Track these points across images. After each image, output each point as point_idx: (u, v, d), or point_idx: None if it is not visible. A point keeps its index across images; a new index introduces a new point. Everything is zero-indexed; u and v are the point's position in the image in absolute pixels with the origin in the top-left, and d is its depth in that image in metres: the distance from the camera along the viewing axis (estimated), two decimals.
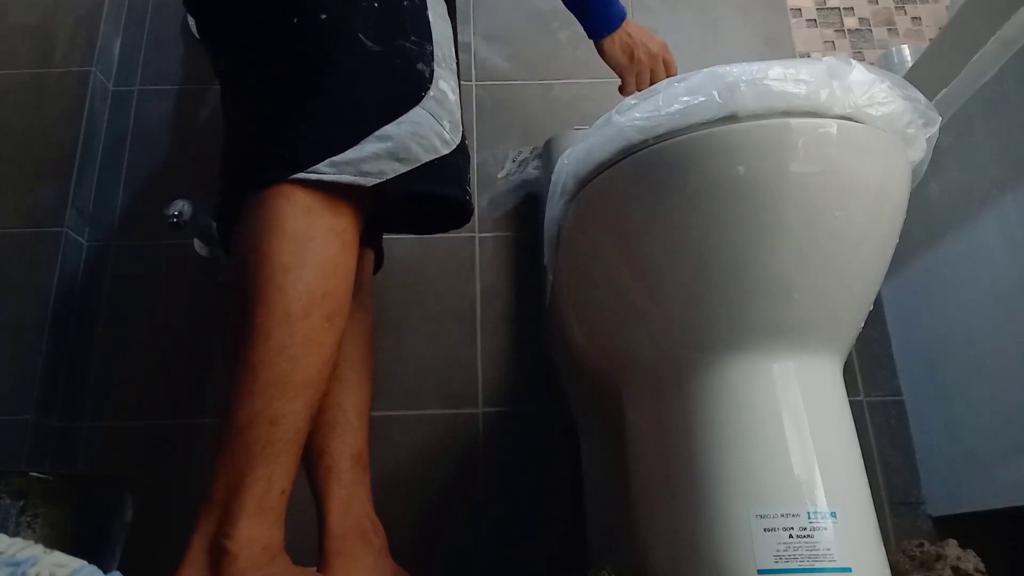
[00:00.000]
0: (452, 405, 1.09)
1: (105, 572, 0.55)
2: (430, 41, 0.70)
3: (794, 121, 0.63)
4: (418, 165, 0.65)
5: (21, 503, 0.76)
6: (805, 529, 0.59)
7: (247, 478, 0.57)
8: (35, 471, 0.79)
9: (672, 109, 0.65)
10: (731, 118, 0.63)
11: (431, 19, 0.72)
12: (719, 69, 0.65)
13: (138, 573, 0.72)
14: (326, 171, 0.61)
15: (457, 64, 0.76)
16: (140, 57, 1.29)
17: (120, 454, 1.05)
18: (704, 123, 0.64)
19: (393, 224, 0.78)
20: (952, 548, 0.82)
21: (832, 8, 1.39)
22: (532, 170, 1.20)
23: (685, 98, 0.65)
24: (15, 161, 1.14)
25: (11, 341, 1.04)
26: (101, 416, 1.07)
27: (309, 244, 0.61)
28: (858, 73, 0.65)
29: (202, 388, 1.09)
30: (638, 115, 0.67)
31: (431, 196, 0.69)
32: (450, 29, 0.76)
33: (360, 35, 0.65)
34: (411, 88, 0.66)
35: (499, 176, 1.19)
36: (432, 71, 0.69)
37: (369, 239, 0.92)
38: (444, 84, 0.69)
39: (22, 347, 1.04)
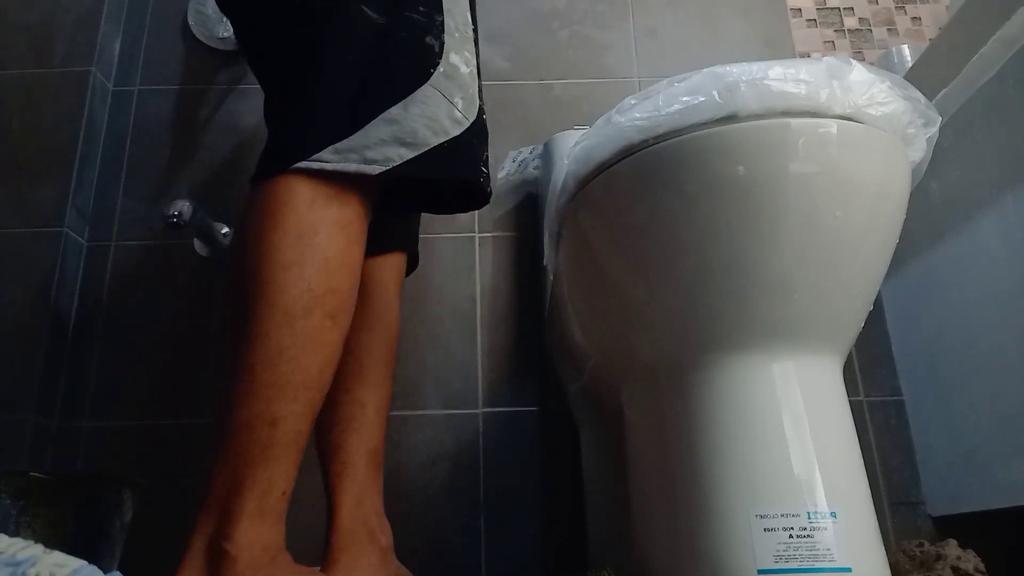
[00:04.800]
0: (452, 405, 1.09)
1: (105, 572, 0.55)
2: (440, 10, 0.65)
3: (794, 121, 0.63)
4: (427, 149, 0.60)
5: (21, 503, 0.76)
6: (805, 529, 0.59)
7: (247, 480, 0.56)
8: (35, 471, 0.79)
9: (672, 109, 0.65)
10: (731, 118, 0.63)
11: None
12: (719, 69, 0.65)
13: (138, 573, 0.72)
14: (329, 159, 0.57)
15: (475, 31, 0.71)
16: (140, 57, 1.29)
17: (120, 454, 1.05)
18: (704, 123, 0.64)
19: (406, 204, 0.73)
20: (952, 548, 0.82)
21: (832, 8, 1.39)
22: (532, 170, 1.20)
23: (685, 98, 0.65)
24: (15, 161, 1.14)
25: (11, 341, 1.04)
26: (101, 416, 1.07)
27: (312, 239, 0.57)
28: (858, 73, 0.65)
29: (202, 388, 1.09)
30: (638, 115, 0.67)
31: (442, 181, 0.65)
32: None
33: (363, 6, 0.61)
34: (419, 64, 0.62)
35: (499, 176, 1.19)
36: (442, 44, 0.63)
37: (399, 242, 0.92)
38: (456, 57, 0.64)
39: (22, 347, 1.04)
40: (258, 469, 0.56)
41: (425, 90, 0.61)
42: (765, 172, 0.63)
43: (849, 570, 0.58)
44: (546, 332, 1.08)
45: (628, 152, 0.68)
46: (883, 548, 0.64)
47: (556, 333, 0.97)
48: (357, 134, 0.58)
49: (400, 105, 0.59)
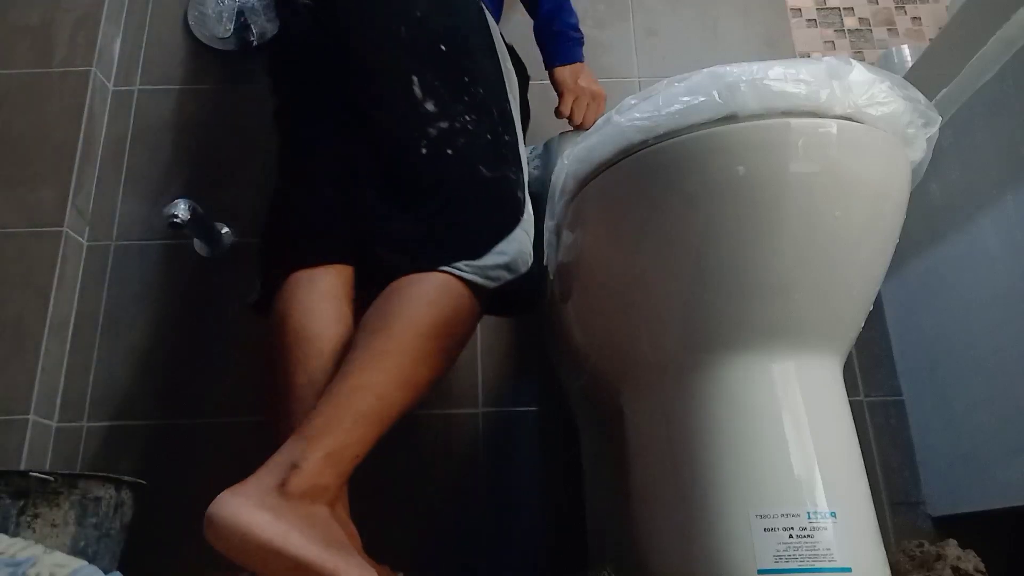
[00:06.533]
0: (452, 405, 1.09)
1: (105, 572, 0.56)
2: (521, 169, 0.88)
3: (794, 121, 0.63)
4: (520, 274, 0.82)
5: (21, 503, 0.76)
6: (805, 529, 0.59)
7: (337, 427, 0.67)
8: (35, 471, 0.79)
9: (672, 109, 0.65)
10: (731, 118, 0.63)
11: (521, 151, 0.89)
12: (719, 69, 0.65)
13: (138, 573, 0.72)
14: (465, 269, 0.78)
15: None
16: (140, 57, 1.29)
17: (120, 454, 1.06)
18: (704, 123, 0.64)
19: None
20: (952, 548, 0.82)
21: (832, 8, 1.39)
22: (532, 170, 1.20)
23: (685, 98, 0.65)
24: (15, 161, 1.14)
25: (11, 341, 1.04)
26: (101, 416, 1.07)
27: (445, 299, 0.77)
28: (858, 73, 0.65)
29: (202, 388, 1.09)
30: (638, 115, 0.67)
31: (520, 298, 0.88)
32: (526, 152, 0.92)
33: (480, 166, 0.83)
34: (514, 212, 0.84)
35: None
36: (524, 196, 0.86)
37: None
38: (528, 206, 0.87)
39: (22, 347, 1.04)
40: (346, 422, 0.68)
41: (518, 232, 0.83)
42: (765, 172, 0.63)
43: (849, 570, 0.58)
44: (546, 332, 1.08)
45: (628, 152, 0.68)
46: (883, 548, 0.64)
47: (556, 333, 0.98)
48: (481, 259, 0.79)
49: (505, 241, 0.81)
